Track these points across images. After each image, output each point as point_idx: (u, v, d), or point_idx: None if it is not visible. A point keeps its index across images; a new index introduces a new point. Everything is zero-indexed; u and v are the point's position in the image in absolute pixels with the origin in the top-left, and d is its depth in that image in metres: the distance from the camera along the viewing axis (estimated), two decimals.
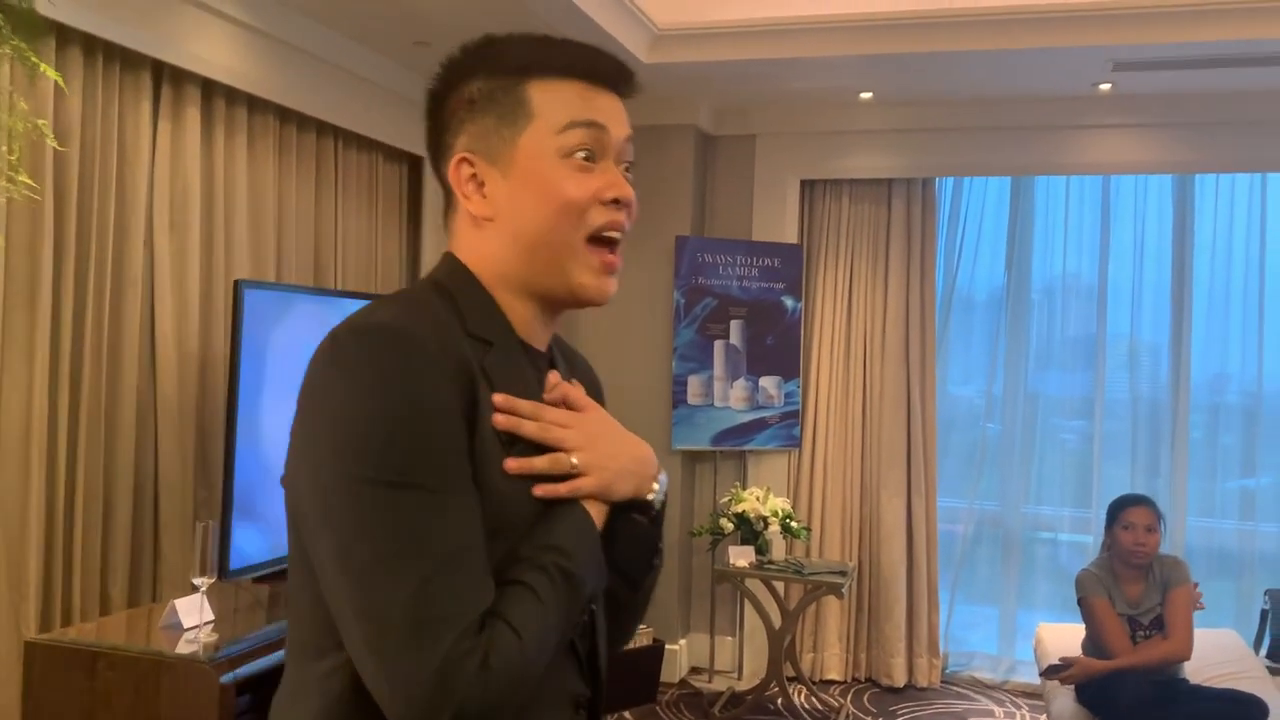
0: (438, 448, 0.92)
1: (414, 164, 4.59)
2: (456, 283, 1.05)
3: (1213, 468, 4.77)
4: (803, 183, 4.99)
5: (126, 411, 3.10)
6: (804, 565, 4.40)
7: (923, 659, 4.82)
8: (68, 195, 2.88)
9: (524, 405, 1.00)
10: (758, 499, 4.43)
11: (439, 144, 1.10)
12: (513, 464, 0.98)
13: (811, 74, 4.32)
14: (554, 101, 1.04)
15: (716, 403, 4.84)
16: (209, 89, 3.39)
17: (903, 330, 4.88)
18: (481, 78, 1.06)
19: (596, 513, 1.03)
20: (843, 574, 4.28)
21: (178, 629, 2.61)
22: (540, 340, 1.10)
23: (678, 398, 4.80)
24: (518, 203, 1.04)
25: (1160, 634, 3.42)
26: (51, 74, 2.31)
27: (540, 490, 0.99)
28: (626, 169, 1.08)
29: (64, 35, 2.84)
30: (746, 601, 4.53)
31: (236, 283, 2.85)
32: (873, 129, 4.85)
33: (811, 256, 5.03)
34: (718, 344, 4.86)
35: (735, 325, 4.86)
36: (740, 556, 4.35)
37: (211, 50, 3.30)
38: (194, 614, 2.62)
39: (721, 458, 4.99)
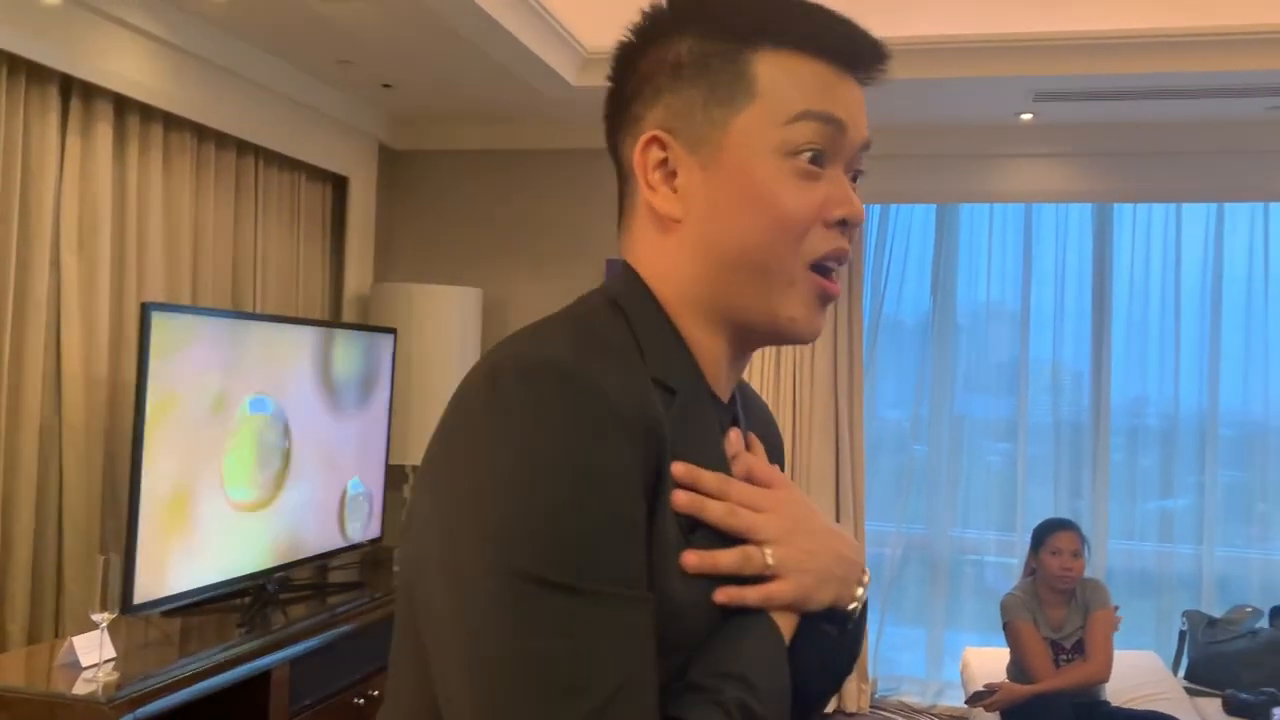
0: (618, 542, 0.70)
1: (338, 184, 4.51)
2: (634, 305, 0.82)
3: (1132, 490, 4.86)
4: None
5: (28, 439, 2.97)
6: None
7: (852, 684, 4.81)
8: None
9: (708, 479, 0.77)
10: None
11: (623, 113, 0.86)
12: (693, 560, 0.75)
13: None
14: (787, 81, 0.80)
15: None
16: (122, 105, 3.30)
17: (831, 354, 4.90)
18: (695, 37, 0.82)
19: (786, 626, 0.79)
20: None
21: (76, 667, 2.49)
22: (726, 386, 0.86)
23: None
24: (718, 205, 0.81)
25: (1082, 657, 3.46)
26: None
27: (723, 596, 0.76)
28: (855, 180, 0.85)
29: None
30: None
31: (143, 306, 2.75)
32: None
33: None
34: None
35: None
36: None
37: (125, 65, 3.20)
38: (93, 651, 2.51)
39: None
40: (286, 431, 3.35)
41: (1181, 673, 4.22)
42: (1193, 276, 4.76)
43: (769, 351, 4.93)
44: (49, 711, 2.35)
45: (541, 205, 4.91)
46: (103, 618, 2.46)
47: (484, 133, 4.86)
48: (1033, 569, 3.60)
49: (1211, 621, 4.23)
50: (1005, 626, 3.54)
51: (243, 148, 3.88)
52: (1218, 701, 3.82)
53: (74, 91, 3.13)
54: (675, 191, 0.82)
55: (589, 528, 0.69)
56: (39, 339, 3.00)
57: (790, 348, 4.91)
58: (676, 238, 0.82)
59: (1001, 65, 3.88)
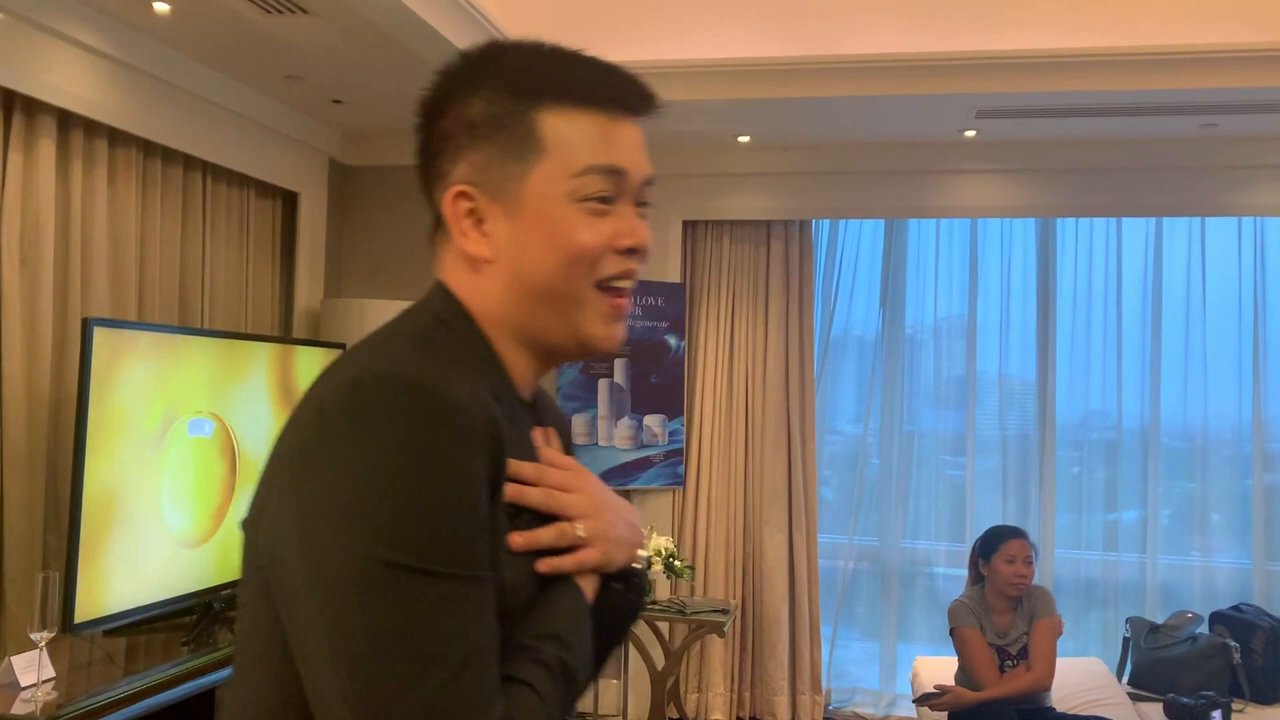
0: (466, 528, 0.80)
1: (288, 199, 4.49)
2: (458, 325, 0.94)
3: (1078, 501, 4.94)
4: (685, 223, 5.05)
5: None
6: (687, 605, 4.39)
7: (806, 696, 4.84)
8: None
9: (527, 469, 0.90)
10: None
11: (431, 167, 0.97)
12: (519, 539, 0.87)
13: (690, 117, 4.39)
14: (571, 138, 0.92)
15: (601, 442, 4.83)
16: (66, 120, 3.27)
17: (783, 369, 4.95)
18: (485, 96, 0.93)
19: (589, 589, 0.93)
20: (725, 612, 4.29)
21: (15, 688, 2.46)
22: (529, 393, 0.99)
23: None
24: (523, 246, 0.93)
25: (1026, 663, 3.51)
26: None
27: (545, 566, 0.89)
28: (642, 210, 0.98)
29: None
30: (630, 643, 4.50)
31: (85, 320, 2.73)
32: (751, 171, 4.94)
33: (694, 296, 5.08)
34: (602, 383, 4.85)
35: (619, 364, 4.87)
36: None
37: (69, 80, 3.18)
38: (32, 671, 2.47)
39: None
40: (232, 451, 3.32)
41: (1125, 678, 4.30)
42: (1134, 291, 4.87)
43: (720, 367, 4.97)
44: None
45: None
46: (41, 636, 2.43)
47: None
48: (981, 576, 3.65)
49: (1154, 628, 4.31)
50: (952, 633, 3.58)
51: (190, 163, 3.86)
52: (1159, 706, 3.89)
53: (16, 107, 3.11)
54: (485, 235, 0.94)
55: (439, 518, 0.79)
56: None
57: (743, 364, 4.95)
58: (488, 274, 0.94)
59: (945, 83, 3.96)
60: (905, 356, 5.10)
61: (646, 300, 4.89)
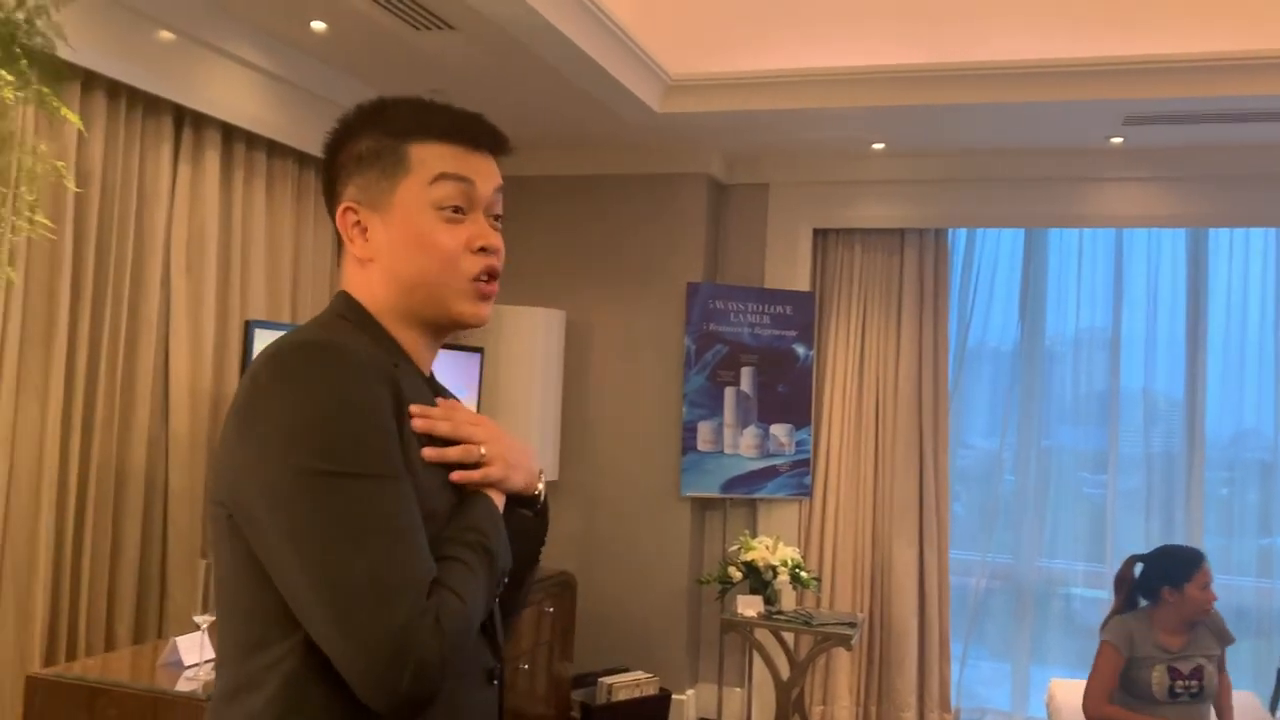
0: (378, 441, 1.04)
1: None
2: (354, 315, 1.18)
3: (1228, 524, 4.71)
4: (815, 231, 5.02)
5: (137, 450, 3.13)
6: (813, 616, 4.36)
7: (934, 714, 4.75)
8: (87, 236, 2.94)
9: (437, 410, 1.14)
10: (767, 548, 4.40)
11: (330, 192, 1.22)
12: (430, 452, 1.11)
13: (823, 124, 4.37)
14: (430, 158, 1.17)
15: (726, 450, 4.84)
16: (229, 133, 3.47)
17: (915, 380, 4.87)
18: (371, 136, 1.18)
19: (498, 501, 1.16)
20: (852, 625, 4.24)
21: (178, 666, 2.62)
22: (426, 365, 1.23)
23: (687, 444, 4.80)
24: (396, 247, 1.16)
25: (1198, 683, 3.38)
26: (72, 118, 2.38)
27: (456, 476, 1.13)
28: (496, 219, 1.21)
29: (90, 80, 2.92)
30: (755, 652, 4.49)
31: (247, 322, 2.89)
32: (885, 179, 4.88)
33: (824, 305, 5.04)
34: (728, 390, 4.86)
35: (746, 372, 4.87)
36: (749, 606, 4.31)
37: (233, 96, 3.38)
38: (195, 651, 2.63)
39: (731, 505, 4.97)
40: None
41: None
42: None
43: (850, 377, 4.91)
44: (153, 708, 2.47)
45: (622, 229, 4.99)
46: (204, 620, 2.58)
47: (568, 158, 4.96)
48: (1160, 599, 3.47)
49: None
50: (1102, 643, 3.48)
51: None
52: None
53: (185, 121, 3.31)
54: (367, 241, 1.18)
55: (357, 432, 1.03)
56: (149, 355, 3.16)
57: (873, 375, 4.90)
58: (373, 270, 1.18)
59: (1091, 89, 3.84)
60: (1044, 369, 4.95)
61: (774, 309, 4.89)
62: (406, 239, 1.16)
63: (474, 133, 1.20)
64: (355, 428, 1.03)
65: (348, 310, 1.18)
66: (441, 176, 1.16)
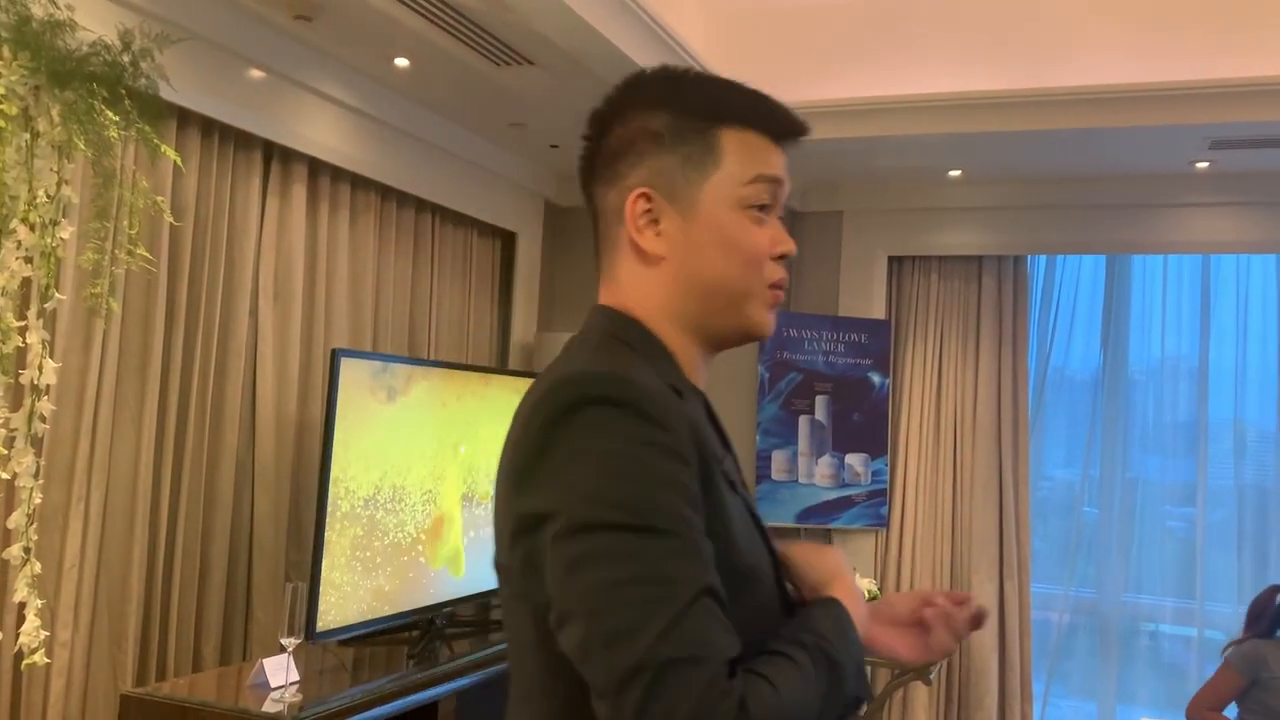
0: (681, 496, 0.90)
1: (507, 240, 4.72)
2: (630, 335, 1.03)
3: None
4: (890, 258, 4.99)
5: (225, 474, 3.22)
6: None
7: None
8: (180, 267, 3.05)
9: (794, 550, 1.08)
10: None
11: (610, 169, 1.06)
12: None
13: (899, 152, 4.34)
14: (744, 152, 1.04)
15: (801, 479, 4.80)
16: (315, 167, 3.57)
17: (994, 409, 4.79)
18: (669, 113, 1.04)
19: (855, 612, 1.00)
20: (931, 660, 4.16)
21: (265, 688, 2.67)
22: (702, 380, 1.09)
23: (761, 473, 4.77)
24: (696, 246, 1.03)
25: None
26: (171, 155, 2.47)
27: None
28: (782, 219, 1.11)
29: (184, 117, 3.03)
30: None
31: (333, 351, 2.96)
32: (962, 206, 4.83)
33: (900, 333, 5.00)
34: (803, 419, 4.83)
35: (821, 401, 4.84)
36: None
37: (319, 132, 3.48)
38: (281, 674, 2.68)
39: (806, 535, 4.92)
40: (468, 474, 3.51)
41: None
42: None
43: (927, 406, 4.85)
44: None
45: None
46: (290, 642, 2.63)
47: None
48: None
49: None
50: (1224, 662, 3.41)
51: (421, 205, 4.13)
52: None
53: (274, 156, 3.42)
54: (659, 235, 1.04)
55: (663, 490, 0.88)
56: (238, 382, 3.25)
57: (951, 404, 4.83)
58: (659, 270, 1.04)
59: (1176, 113, 3.76)
60: (1128, 399, 4.84)
61: (849, 336, 4.85)
62: (713, 238, 1.02)
63: (787, 124, 1.07)
64: (659, 479, 0.89)
65: (618, 325, 1.04)
66: (759, 178, 1.04)
